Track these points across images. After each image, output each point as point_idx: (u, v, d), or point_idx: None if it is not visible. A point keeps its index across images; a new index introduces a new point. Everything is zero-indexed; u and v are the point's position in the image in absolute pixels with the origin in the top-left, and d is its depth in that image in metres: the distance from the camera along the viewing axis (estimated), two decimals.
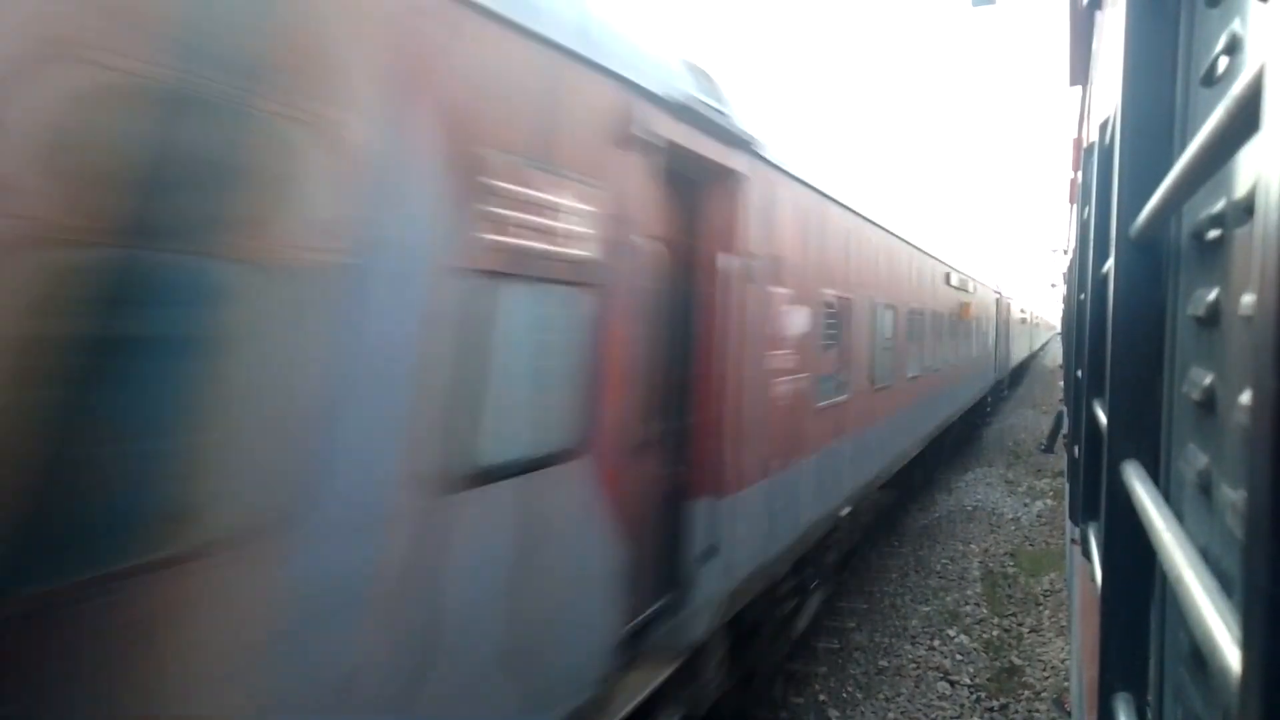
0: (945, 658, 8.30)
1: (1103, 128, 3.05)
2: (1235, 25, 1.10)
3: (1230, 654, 0.67)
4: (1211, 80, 1.24)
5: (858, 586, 10.20)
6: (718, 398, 4.68)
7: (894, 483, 11.67)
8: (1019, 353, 35.09)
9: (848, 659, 8.18)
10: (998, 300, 24.02)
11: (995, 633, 8.99)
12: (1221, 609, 0.76)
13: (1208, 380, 1.20)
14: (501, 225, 2.78)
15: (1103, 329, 2.73)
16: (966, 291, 16.75)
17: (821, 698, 7.36)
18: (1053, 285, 43.71)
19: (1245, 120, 0.74)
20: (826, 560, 7.95)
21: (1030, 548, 12.14)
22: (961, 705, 7.37)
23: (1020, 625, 9.21)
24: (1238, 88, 0.74)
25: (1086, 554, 3.10)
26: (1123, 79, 1.57)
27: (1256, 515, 0.58)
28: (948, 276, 14.40)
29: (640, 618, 4.04)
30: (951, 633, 8.91)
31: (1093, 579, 2.56)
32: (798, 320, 6.04)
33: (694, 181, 4.55)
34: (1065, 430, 10.77)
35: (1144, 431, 1.61)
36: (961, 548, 12.16)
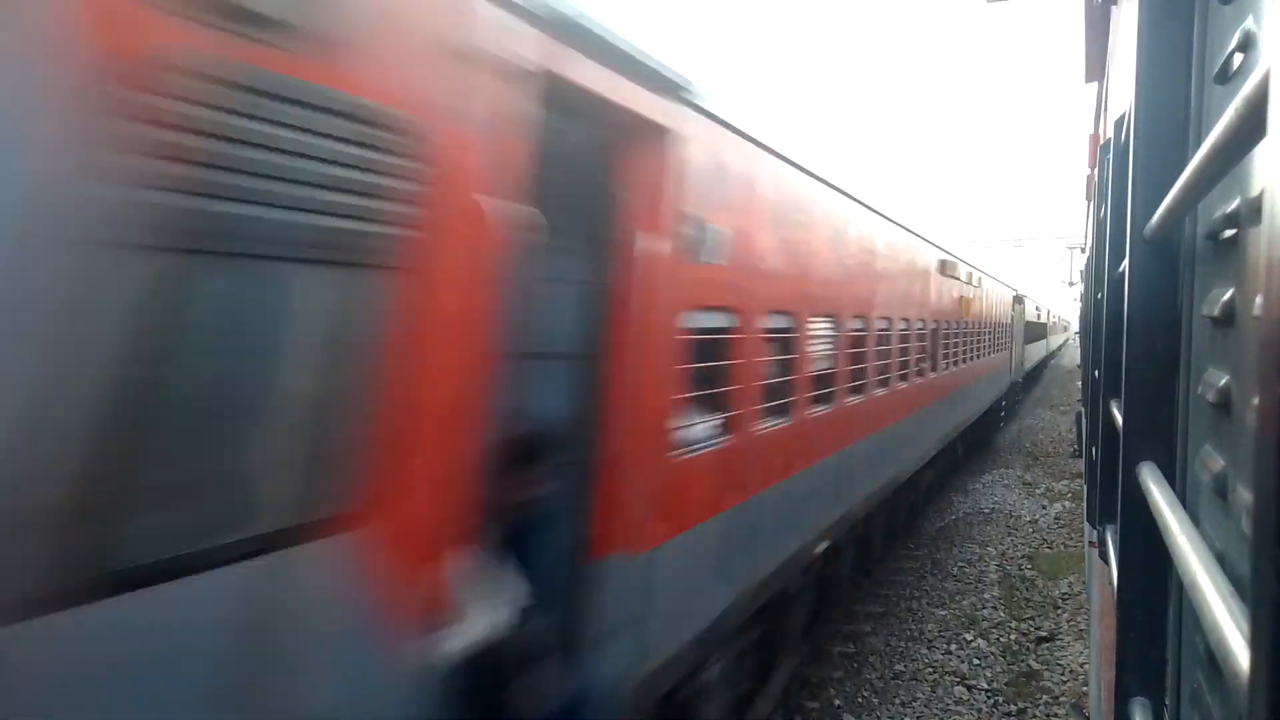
0: (962, 662, 8.24)
1: (1118, 125, 3.02)
2: (1248, 22, 1.09)
3: (1243, 658, 0.67)
4: (1225, 77, 1.23)
5: (873, 590, 10.15)
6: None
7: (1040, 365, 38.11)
8: (1055, 343, 61.93)
9: (863, 663, 8.14)
10: (1047, 313, 46.52)
11: (1013, 637, 8.91)
12: (1235, 613, 0.75)
13: (1224, 381, 1.19)
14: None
15: (1119, 329, 2.71)
16: (1040, 313, 38.73)
17: (837, 703, 7.32)
18: (1070, 284, 43.73)
19: (1254, 121, 0.73)
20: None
21: (1049, 550, 12.04)
22: (979, 710, 7.31)
23: (1038, 629, 9.13)
24: (1247, 88, 0.73)
25: (1104, 557, 3.07)
26: (1137, 75, 1.56)
27: (1265, 517, 0.58)
28: (1039, 311, 37.28)
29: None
30: (969, 637, 8.85)
31: (1111, 582, 2.53)
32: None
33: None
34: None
35: (1160, 433, 1.60)
36: (979, 550, 12.07)
